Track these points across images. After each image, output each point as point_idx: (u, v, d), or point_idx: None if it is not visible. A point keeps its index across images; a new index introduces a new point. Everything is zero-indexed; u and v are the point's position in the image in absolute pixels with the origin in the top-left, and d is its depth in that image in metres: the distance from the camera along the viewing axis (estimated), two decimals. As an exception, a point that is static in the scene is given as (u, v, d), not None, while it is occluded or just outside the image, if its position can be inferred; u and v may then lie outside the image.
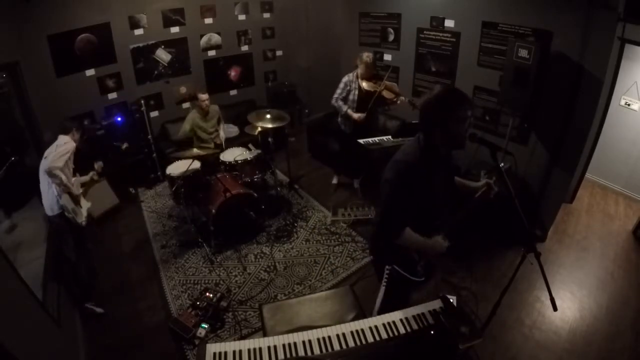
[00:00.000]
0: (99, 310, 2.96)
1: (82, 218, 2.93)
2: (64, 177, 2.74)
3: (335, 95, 3.79)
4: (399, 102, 3.65)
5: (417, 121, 1.66)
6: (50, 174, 2.69)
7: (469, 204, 1.84)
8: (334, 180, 4.58)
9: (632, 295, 2.97)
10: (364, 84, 3.68)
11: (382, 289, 2.02)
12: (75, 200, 2.89)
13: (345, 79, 3.76)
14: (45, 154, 2.79)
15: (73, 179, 2.95)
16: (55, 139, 2.86)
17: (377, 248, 2.08)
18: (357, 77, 3.73)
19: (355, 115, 3.71)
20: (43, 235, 2.98)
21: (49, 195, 2.75)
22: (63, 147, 2.80)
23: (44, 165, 2.72)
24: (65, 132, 2.89)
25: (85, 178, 3.15)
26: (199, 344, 2.57)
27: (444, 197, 1.78)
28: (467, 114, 1.52)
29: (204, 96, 4.10)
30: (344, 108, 3.76)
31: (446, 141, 1.59)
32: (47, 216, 2.81)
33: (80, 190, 3.03)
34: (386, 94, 3.65)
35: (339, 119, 4.04)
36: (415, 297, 2.09)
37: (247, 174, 3.82)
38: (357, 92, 3.73)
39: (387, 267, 1.89)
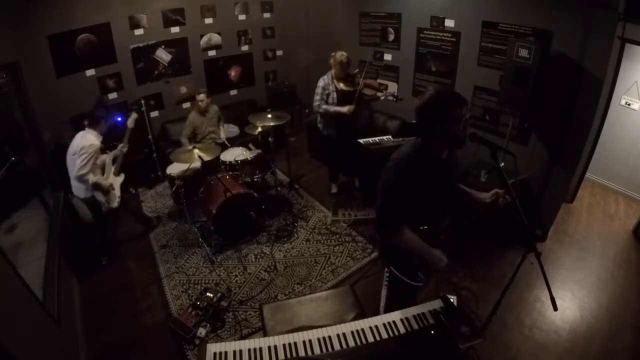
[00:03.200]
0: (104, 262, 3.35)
1: (114, 202, 3.25)
2: (93, 178, 3.03)
3: (316, 103, 3.63)
4: (382, 97, 3.56)
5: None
6: (80, 180, 2.98)
7: (475, 214, 1.84)
8: (333, 190, 4.47)
9: (632, 295, 2.97)
10: (342, 85, 3.58)
11: (384, 291, 2.02)
12: (106, 191, 3.18)
13: (321, 82, 3.60)
14: (72, 148, 3.02)
15: (103, 156, 3.26)
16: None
17: (380, 249, 2.08)
18: (332, 79, 3.60)
19: (345, 109, 3.55)
20: (43, 235, 2.98)
21: (80, 186, 3.07)
22: (89, 151, 2.96)
23: (72, 166, 2.98)
24: (94, 125, 3.08)
25: (116, 152, 3.37)
26: (199, 343, 2.57)
27: (443, 199, 1.77)
28: (462, 113, 1.53)
29: (201, 96, 4.24)
30: (331, 108, 3.60)
31: (444, 141, 1.60)
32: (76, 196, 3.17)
33: (113, 169, 3.33)
34: (366, 90, 3.57)
35: (320, 125, 3.89)
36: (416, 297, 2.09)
37: (248, 173, 3.82)
38: (335, 95, 3.61)
39: (386, 269, 1.89)
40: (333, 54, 3.57)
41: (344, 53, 3.56)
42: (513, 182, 1.72)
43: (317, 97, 3.64)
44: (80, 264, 3.33)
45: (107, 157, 3.31)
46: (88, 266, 3.37)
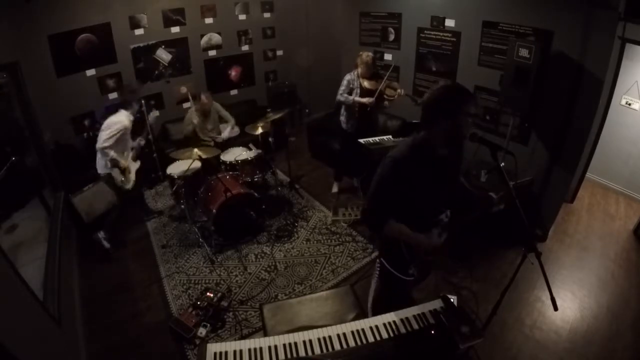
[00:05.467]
0: (106, 244, 3.47)
1: (129, 184, 3.56)
2: (114, 154, 3.31)
3: (340, 92, 3.78)
4: (399, 95, 3.65)
5: (418, 120, 1.66)
6: (102, 152, 3.26)
7: (471, 215, 1.84)
8: (334, 189, 4.49)
9: (632, 295, 2.97)
10: (366, 83, 3.70)
11: (373, 282, 2.03)
12: (123, 170, 3.48)
13: (347, 77, 3.76)
14: (103, 125, 3.31)
15: (131, 141, 3.57)
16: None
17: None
18: (358, 77, 3.74)
19: (365, 100, 3.67)
20: (43, 235, 2.98)
21: (101, 161, 3.38)
22: (114, 127, 3.27)
23: (98, 139, 3.27)
24: (125, 106, 3.40)
25: (133, 143, 3.69)
26: (199, 343, 2.57)
27: (440, 196, 1.78)
28: (473, 109, 1.54)
29: (205, 100, 4.23)
30: (351, 97, 3.73)
31: (448, 135, 1.59)
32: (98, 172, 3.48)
33: (131, 155, 3.64)
34: (388, 91, 3.69)
35: (341, 118, 3.99)
36: (416, 297, 2.09)
37: (248, 173, 3.82)
38: (359, 91, 3.73)
39: (377, 260, 1.90)
40: (360, 53, 3.70)
41: (370, 54, 3.68)
42: (515, 184, 1.73)
43: (341, 88, 3.78)
44: (83, 258, 3.41)
45: (130, 144, 3.65)
46: (91, 255, 3.48)
